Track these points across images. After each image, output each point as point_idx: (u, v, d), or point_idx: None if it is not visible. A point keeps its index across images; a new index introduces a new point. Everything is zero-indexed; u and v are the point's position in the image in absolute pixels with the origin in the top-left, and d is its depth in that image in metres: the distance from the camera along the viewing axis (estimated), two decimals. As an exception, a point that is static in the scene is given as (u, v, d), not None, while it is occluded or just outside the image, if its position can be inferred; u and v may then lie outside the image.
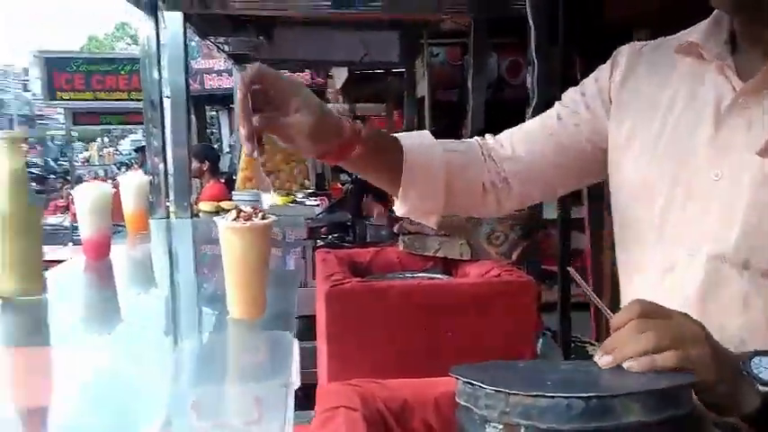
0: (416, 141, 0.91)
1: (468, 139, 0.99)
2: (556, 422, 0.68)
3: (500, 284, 1.56)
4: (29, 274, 1.09)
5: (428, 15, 3.17)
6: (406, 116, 5.23)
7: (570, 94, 0.95)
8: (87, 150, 15.42)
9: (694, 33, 0.84)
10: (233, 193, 4.13)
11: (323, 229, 3.18)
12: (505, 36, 3.28)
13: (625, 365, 0.71)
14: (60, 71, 7.97)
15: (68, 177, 9.82)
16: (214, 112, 9.07)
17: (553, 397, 0.69)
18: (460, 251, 1.85)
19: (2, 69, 33.24)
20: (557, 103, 0.96)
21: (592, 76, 0.94)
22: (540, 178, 0.95)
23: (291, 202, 3.79)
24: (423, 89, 4.74)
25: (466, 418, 0.78)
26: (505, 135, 0.97)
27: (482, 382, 0.75)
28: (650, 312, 0.71)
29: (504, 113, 1.97)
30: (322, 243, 3.71)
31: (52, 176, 12.27)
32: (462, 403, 0.79)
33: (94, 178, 9.79)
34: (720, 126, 0.78)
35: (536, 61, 1.96)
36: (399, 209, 0.93)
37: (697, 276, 0.78)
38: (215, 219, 0.83)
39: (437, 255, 1.90)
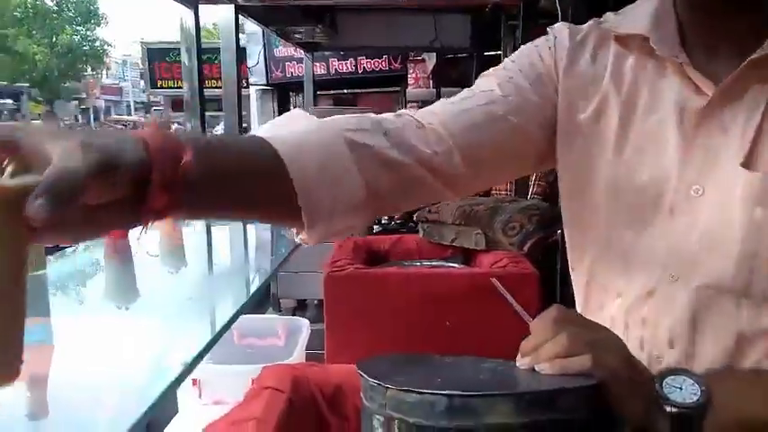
0: (294, 136, 0.62)
1: (372, 115, 0.70)
2: (421, 417, 0.68)
3: (498, 276, 1.52)
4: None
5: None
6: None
7: (506, 75, 0.78)
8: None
9: (636, 23, 0.74)
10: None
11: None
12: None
13: (537, 368, 0.69)
14: (160, 61, 8.58)
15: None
16: (299, 98, 9.37)
17: (420, 393, 0.69)
18: (475, 241, 1.82)
19: (122, 59, 36.22)
20: (487, 82, 0.78)
21: (526, 55, 0.79)
22: (480, 165, 0.76)
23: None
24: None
25: (362, 410, 0.80)
26: (431, 112, 0.75)
27: (372, 375, 0.76)
28: (567, 318, 0.68)
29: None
30: (380, 229, 3.76)
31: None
32: (360, 395, 0.80)
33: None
34: (691, 132, 0.69)
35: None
36: (311, 237, 0.64)
37: (684, 304, 0.71)
38: None
39: (453, 244, 1.89)
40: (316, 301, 3.51)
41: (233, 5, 2.63)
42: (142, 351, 0.91)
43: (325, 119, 0.66)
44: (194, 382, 1.51)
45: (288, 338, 1.91)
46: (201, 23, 2.31)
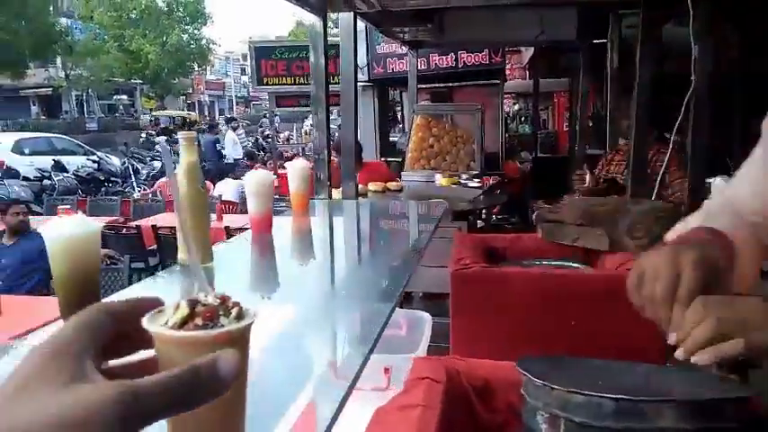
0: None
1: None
2: (588, 418, 0.74)
3: (622, 278, 1.52)
4: (201, 245, 1.37)
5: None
6: (581, 92, 5.03)
7: None
8: (287, 131, 17.29)
9: None
10: (402, 173, 4.35)
11: (480, 212, 3.22)
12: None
13: (693, 360, 0.72)
14: (267, 59, 8.96)
15: (272, 153, 11.03)
16: (396, 93, 9.51)
17: (587, 395, 0.74)
18: (598, 242, 1.83)
19: (225, 56, 38.16)
20: None
21: None
22: None
23: (455, 184, 3.88)
24: (613, 62, 4.42)
25: (524, 406, 0.86)
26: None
27: (534, 375, 0.82)
28: (714, 300, 0.72)
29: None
30: (483, 224, 3.80)
31: (260, 153, 13.90)
32: (522, 392, 0.87)
33: (295, 155, 10.97)
34: None
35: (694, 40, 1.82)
36: None
37: None
38: (147, 320, 0.43)
39: (576, 244, 1.90)
40: (420, 294, 3.60)
41: (352, 12, 2.77)
42: (322, 342, 1.03)
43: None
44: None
45: (409, 330, 2.00)
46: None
